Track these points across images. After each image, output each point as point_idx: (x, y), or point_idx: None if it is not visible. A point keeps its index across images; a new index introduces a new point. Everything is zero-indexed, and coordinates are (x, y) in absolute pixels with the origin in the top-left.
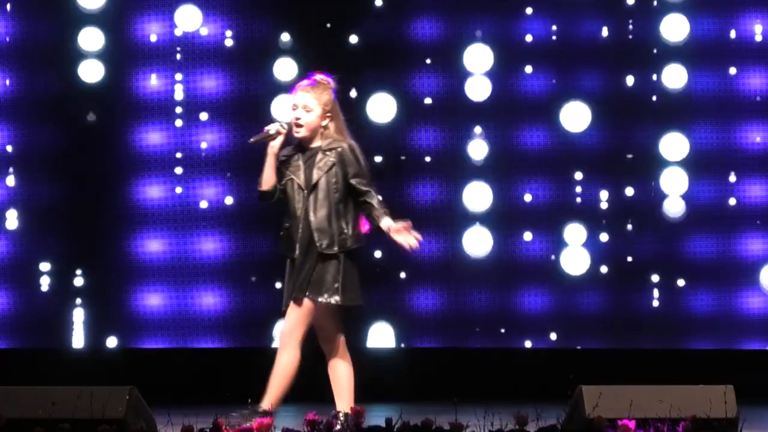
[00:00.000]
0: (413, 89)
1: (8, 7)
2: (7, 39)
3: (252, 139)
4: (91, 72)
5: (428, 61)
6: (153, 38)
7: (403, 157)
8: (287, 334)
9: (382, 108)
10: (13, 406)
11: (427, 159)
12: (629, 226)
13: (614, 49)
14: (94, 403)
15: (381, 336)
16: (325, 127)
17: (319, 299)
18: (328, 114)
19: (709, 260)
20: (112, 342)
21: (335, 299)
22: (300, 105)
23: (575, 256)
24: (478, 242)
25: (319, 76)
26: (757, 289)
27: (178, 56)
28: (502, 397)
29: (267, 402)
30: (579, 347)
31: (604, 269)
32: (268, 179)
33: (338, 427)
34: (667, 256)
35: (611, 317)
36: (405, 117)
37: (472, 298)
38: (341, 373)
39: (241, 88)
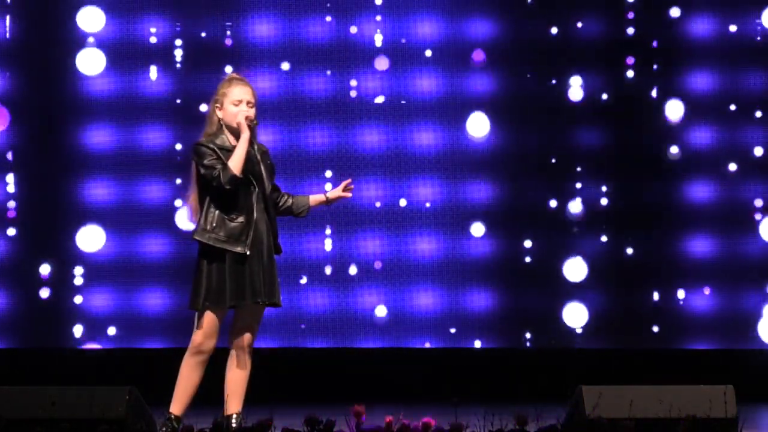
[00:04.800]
0: (409, 88)
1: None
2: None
3: (255, 120)
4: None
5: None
6: (153, 40)
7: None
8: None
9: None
10: (13, 406)
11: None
12: (628, 226)
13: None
14: (94, 403)
15: (381, 336)
16: None
17: (274, 300)
18: None
19: (709, 260)
20: (111, 342)
21: (279, 300)
22: (245, 100)
23: (575, 258)
24: (478, 243)
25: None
26: (757, 289)
27: (179, 55)
28: (502, 397)
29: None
30: (578, 347)
31: (603, 270)
32: (242, 167)
33: (234, 425)
34: (668, 256)
35: (611, 317)
36: (404, 116)
37: (471, 299)
38: (246, 373)
39: None
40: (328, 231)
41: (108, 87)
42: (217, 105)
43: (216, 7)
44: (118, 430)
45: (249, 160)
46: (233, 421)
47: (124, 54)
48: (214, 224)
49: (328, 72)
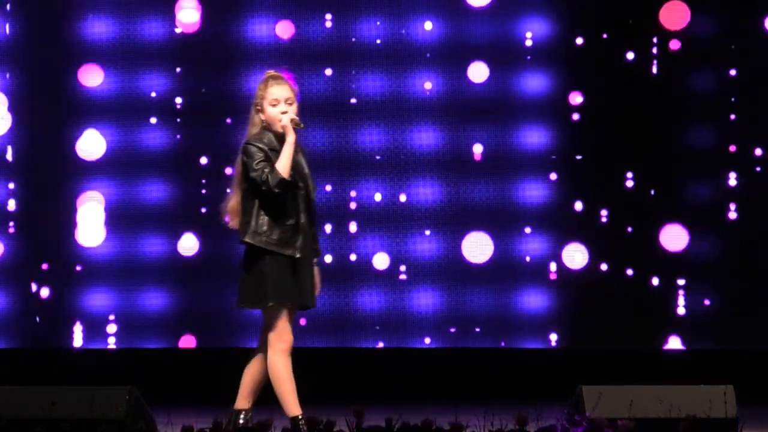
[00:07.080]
0: (413, 88)
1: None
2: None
3: (301, 123)
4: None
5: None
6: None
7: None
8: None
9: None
10: (13, 406)
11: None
12: (629, 227)
13: None
14: (94, 403)
15: (381, 336)
16: None
17: (313, 304)
18: None
19: (708, 259)
20: (112, 342)
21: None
22: (282, 99)
23: (574, 256)
24: (478, 243)
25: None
26: (755, 289)
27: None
28: (502, 397)
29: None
30: (579, 347)
31: (603, 267)
32: (290, 170)
33: (242, 421)
34: (667, 256)
35: (611, 317)
36: (404, 115)
37: (472, 299)
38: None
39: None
40: (328, 228)
41: (108, 88)
42: (258, 108)
43: (217, 7)
44: (118, 430)
45: (297, 163)
46: (241, 417)
47: (122, 56)
48: (264, 227)
49: (328, 72)
